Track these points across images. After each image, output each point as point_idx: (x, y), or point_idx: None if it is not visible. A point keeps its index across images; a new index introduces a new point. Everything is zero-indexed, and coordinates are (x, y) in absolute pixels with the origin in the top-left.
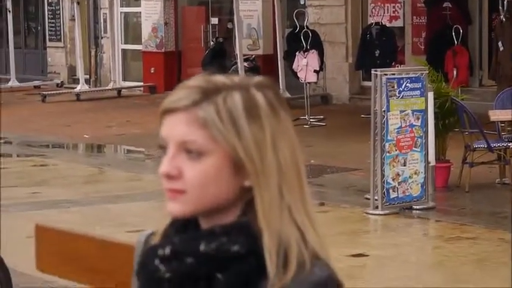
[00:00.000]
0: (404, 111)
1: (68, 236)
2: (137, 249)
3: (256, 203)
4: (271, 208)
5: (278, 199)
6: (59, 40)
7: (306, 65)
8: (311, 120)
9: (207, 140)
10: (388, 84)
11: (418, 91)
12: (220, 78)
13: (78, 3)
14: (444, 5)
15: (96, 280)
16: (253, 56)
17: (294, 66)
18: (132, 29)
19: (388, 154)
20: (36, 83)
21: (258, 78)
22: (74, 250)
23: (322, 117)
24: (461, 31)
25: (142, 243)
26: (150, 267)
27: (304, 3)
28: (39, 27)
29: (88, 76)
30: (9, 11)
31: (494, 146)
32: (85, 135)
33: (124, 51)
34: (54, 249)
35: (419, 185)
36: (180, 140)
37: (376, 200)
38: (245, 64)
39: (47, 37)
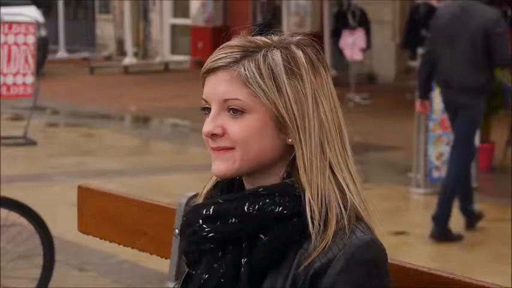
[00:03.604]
0: None
1: (110, 197)
2: (178, 211)
3: (297, 159)
4: (312, 164)
5: (319, 155)
6: (108, 13)
7: (352, 43)
8: (356, 98)
9: (248, 97)
10: None
11: None
12: (260, 38)
13: None
14: None
15: (137, 242)
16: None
17: (341, 44)
18: (180, 3)
19: (432, 133)
20: (85, 54)
21: (298, 37)
22: (116, 212)
23: (367, 95)
24: (509, 13)
25: (184, 205)
26: (193, 226)
27: None
28: None
29: (136, 49)
30: None
31: None
32: (131, 107)
33: (172, 25)
34: (96, 210)
35: None
36: (222, 98)
37: (418, 178)
38: None
39: (96, 9)
